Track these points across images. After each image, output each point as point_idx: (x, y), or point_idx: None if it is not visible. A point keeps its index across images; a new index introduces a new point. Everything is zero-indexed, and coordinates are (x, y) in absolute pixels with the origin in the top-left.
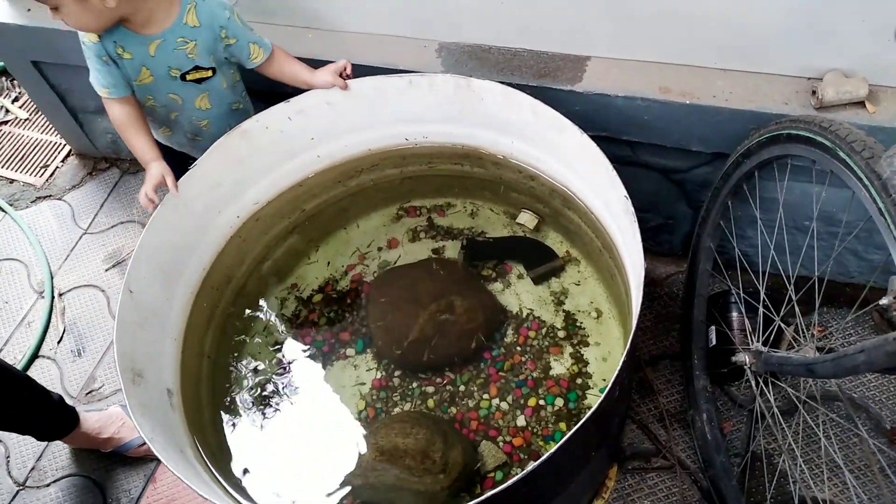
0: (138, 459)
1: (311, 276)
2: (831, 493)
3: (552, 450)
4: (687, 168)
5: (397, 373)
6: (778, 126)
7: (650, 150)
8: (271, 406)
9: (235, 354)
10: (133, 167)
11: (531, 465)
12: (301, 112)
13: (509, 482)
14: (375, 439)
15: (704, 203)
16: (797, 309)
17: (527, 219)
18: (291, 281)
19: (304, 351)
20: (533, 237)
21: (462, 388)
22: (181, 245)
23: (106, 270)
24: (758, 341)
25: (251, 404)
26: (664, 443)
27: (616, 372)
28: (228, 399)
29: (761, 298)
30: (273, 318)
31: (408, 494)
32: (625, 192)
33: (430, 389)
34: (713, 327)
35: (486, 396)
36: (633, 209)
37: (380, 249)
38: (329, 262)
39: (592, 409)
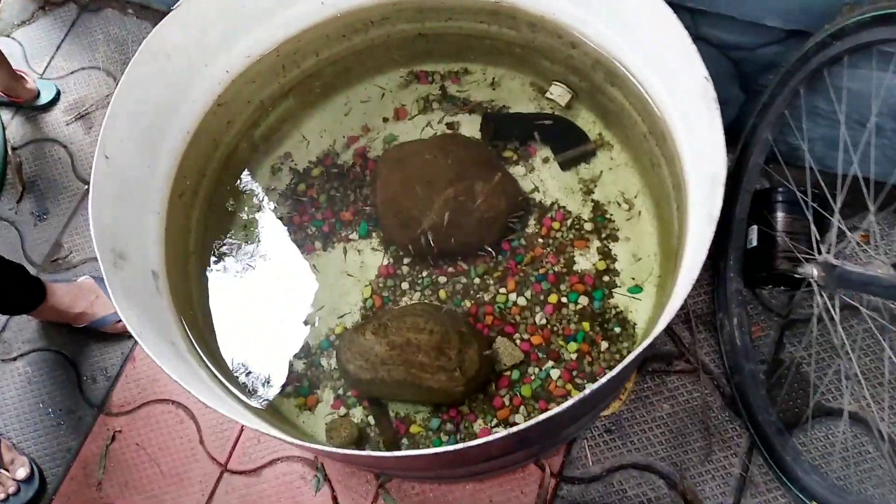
0: (114, 336)
1: (309, 147)
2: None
3: (604, 380)
4: (753, 46)
5: (406, 260)
6: (891, 3)
7: (715, 21)
8: (266, 289)
9: (226, 231)
10: (94, 3)
11: (586, 391)
12: None
13: (564, 406)
14: (386, 333)
15: (768, 88)
16: (873, 219)
17: (559, 93)
18: (285, 149)
19: (301, 230)
20: (563, 115)
21: (477, 280)
22: (162, 103)
23: (67, 124)
24: (828, 251)
25: (243, 284)
26: (688, 346)
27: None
28: (219, 279)
29: (836, 206)
30: (266, 192)
31: (421, 391)
32: (706, 73)
33: (443, 280)
34: (755, 227)
35: (502, 290)
36: (714, 93)
37: (385, 120)
38: (327, 131)
39: (645, 344)
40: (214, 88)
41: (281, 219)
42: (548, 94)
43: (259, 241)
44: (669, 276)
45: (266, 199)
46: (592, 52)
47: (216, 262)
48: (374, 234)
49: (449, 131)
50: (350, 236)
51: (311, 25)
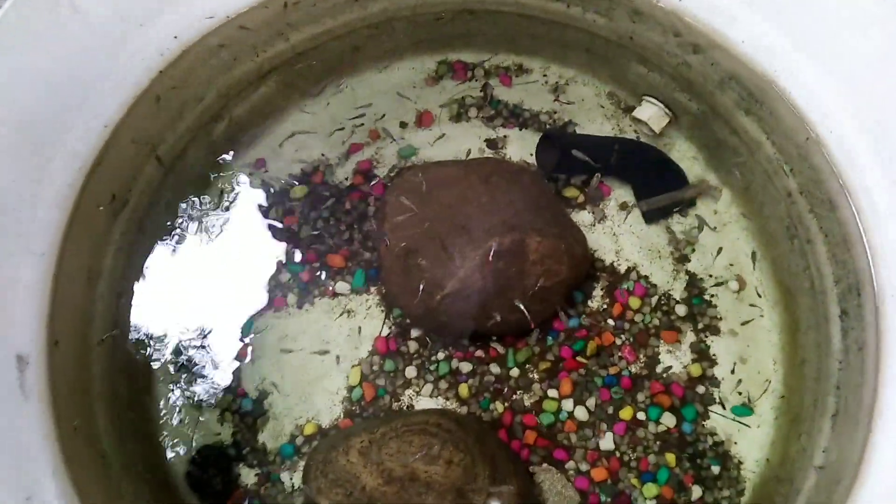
0: None
1: (292, 154)
2: None
3: None
4: None
5: (415, 333)
6: None
7: None
8: (214, 368)
9: (155, 277)
10: None
11: None
12: None
13: None
14: (381, 456)
15: None
16: None
17: (652, 114)
18: (257, 155)
19: (269, 278)
20: (653, 144)
21: (516, 372)
22: (64, 84)
23: None
24: None
25: (181, 366)
26: None
27: None
28: (147, 352)
29: None
30: (221, 218)
31: None
32: None
33: (466, 368)
34: None
35: (553, 393)
36: None
37: (403, 126)
38: (319, 134)
39: None
40: (153, 62)
41: (240, 260)
42: (635, 113)
43: (211, 288)
44: (799, 399)
45: (222, 224)
46: (730, 62)
47: (143, 338)
48: (372, 289)
49: (490, 151)
50: (338, 289)
51: None
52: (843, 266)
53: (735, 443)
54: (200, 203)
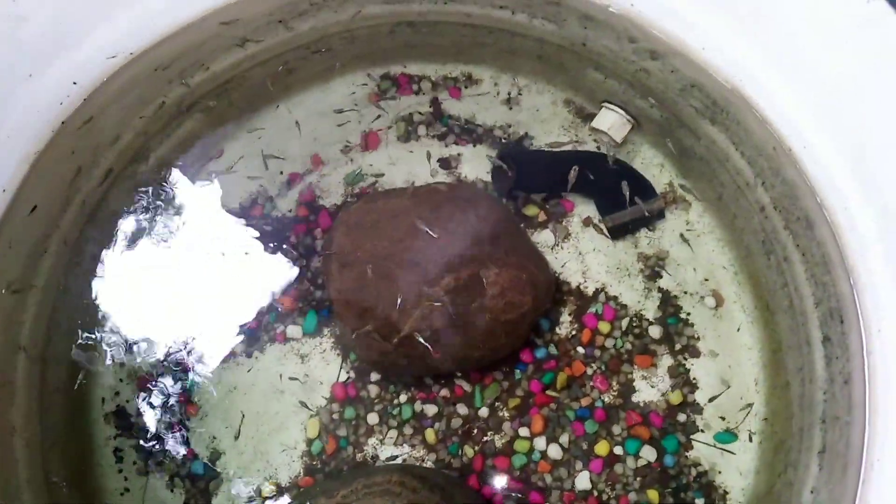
0: None
1: (225, 188)
2: None
3: None
4: None
5: (374, 377)
6: None
7: None
8: (158, 430)
9: (87, 324)
10: None
11: None
12: None
13: None
14: None
15: None
16: None
17: (612, 123)
18: (189, 194)
19: (211, 327)
20: (616, 156)
21: (484, 412)
22: None
23: None
24: None
25: (121, 431)
26: None
27: None
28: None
29: None
30: (154, 261)
31: None
32: None
33: (431, 410)
34: None
35: (524, 432)
36: None
37: (347, 149)
38: (255, 163)
39: None
40: (51, 111)
41: (175, 311)
42: (595, 123)
43: (141, 342)
44: (783, 424)
45: (157, 267)
46: (690, 70)
47: (72, 415)
48: (325, 331)
49: (443, 172)
50: (289, 333)
51: (224, 4)
52: (823, 288)
53: (719, 472)
54: (128, 248)
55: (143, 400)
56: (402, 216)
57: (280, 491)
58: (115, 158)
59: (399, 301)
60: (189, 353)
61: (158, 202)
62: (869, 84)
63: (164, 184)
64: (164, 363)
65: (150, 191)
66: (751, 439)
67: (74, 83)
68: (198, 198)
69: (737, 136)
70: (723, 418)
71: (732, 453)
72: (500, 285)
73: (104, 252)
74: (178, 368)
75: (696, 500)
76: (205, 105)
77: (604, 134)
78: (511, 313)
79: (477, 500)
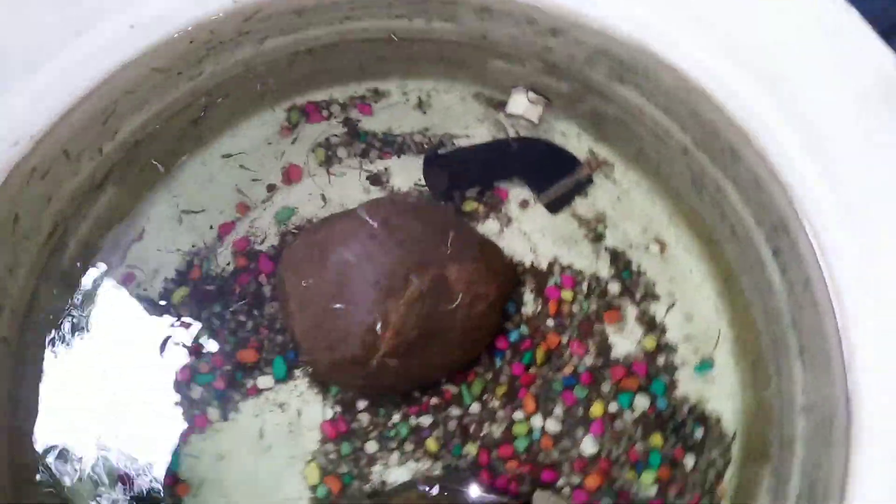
0: None
1: (159, 255)
2: None
3: None
4: None
5: (361, 404)
6: None
7: None
8: None
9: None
10: None
11: None
12: None
13: None
14: None
15: None
16: None
17: (525, 105)
18: (122, 271)
19: (180, 400)
20: (535, 136)
21: (476, 407)
22: None
23: None
24: None
25: None
26: None
27: None
28: None
29: None
30: (103, 353)
31: None
32: None
33: (426, 421)
34: None
35: (518, 415)
36: None
37: (272, 189)
38: (183, 224)
39: None
40: None
41: (137, 388)
42: (508, 109)
43: (111, 444)
44: (754, 340)
45: (107, 358)
46: (595, 38)
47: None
48: (297, 373)
49: (375, 188)
50: (261, 385)
51: (118, 68)
52: (761, 207)
53: (708, 401)
54: (70, 347)
55: (128, 495)
56: (350, 238)
57: None
58: (37, 252)
59: (370, 322)
60: (161, 432)
61: (92, 291)
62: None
63: (92, 268)
64: (138, 447)
65: (79, 281)
66: (727, 362)
67: None
68: (133, 274)
69: (648, 89)
70: (697, 351)
71: (714, 381)
72: (464, 281)
73: (47, 355)
74: (156, 450)
75: (696, 431)
76: (118, 174)
77: (520, 118)
78: (480, 305)
79: (492, 493)
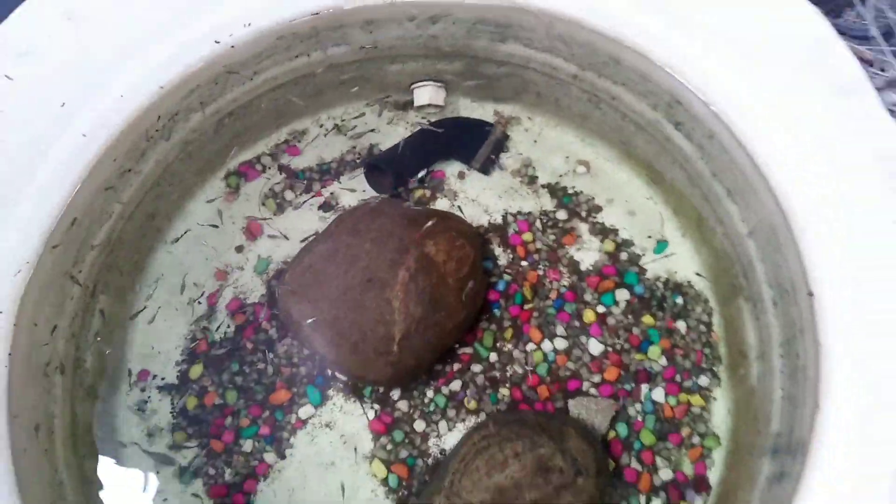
0: None
1: (160, 344)
2: None
3: None
4: None
5: (395, 394)
6: None
7: None
8: None
9: None
10: None
11: None
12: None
13: None
14: (461, 500)
15: None
16: None
17: (430, 95)
18: (132, 367)
19: (231, 455)
20: (447, 117)
21: (493, 357)
22: None
23: None
24: None
25: None
26: None
27: None
28: None
29: None
30: (143, 442)
31: None
32: None
33: (456, 386)
34: None
35: (531, 347)
36: None
37: (240, 250)
38: (175, 311)
39: None
40: None
41: (189, 467)
42: (416, 103)
43: None
44: (689, 205)
45: (145, 453)
46: (469, 12)
47: None
48: (330, 392)
49: (329, 213)
50: (303, 416)
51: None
52: (652, 94)
53: (676, 272)
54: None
55: None
56: (331, 257)
57: None
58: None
59: (379, 315)
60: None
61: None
62: None
63: (98, 382)
64: None
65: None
66: (676, 235)
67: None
68: (148, 371)
69: (528, 39)
70: (650, 237)
71: (673, 254)
72: (444, 250)
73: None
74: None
75: (676, 300)
76: (103, 282)
77: (428, 107)
78: (464, 267)
79: (549, 415)
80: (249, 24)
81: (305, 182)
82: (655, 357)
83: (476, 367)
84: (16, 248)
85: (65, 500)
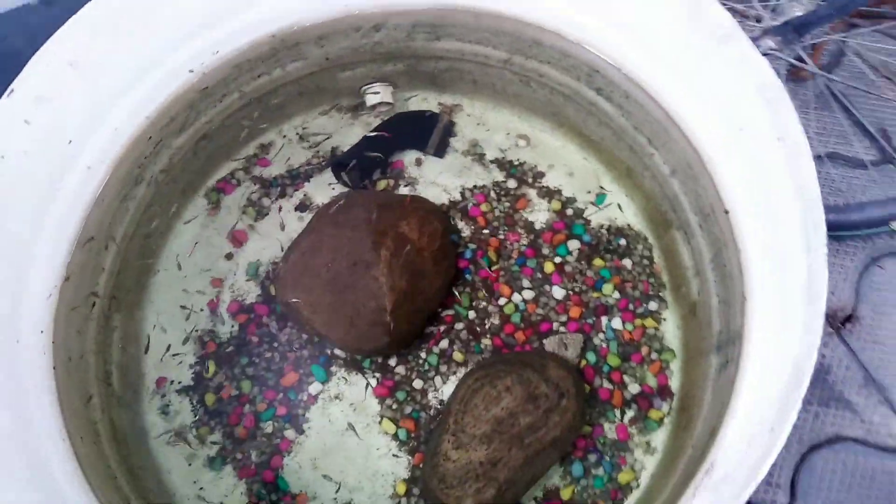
0: None
1: (172, 358)
2: None
3: None
4: None
5: (392, 361)
6: None
7: None
8: None
9: None
10: None
11: None
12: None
13: None
14: (467, 434)
15: None
16: None
17: (381, 95)
18: (149, 376)
19: (255, 438)
20: (397, 112)
21: (472, 315)
22: None
23: None
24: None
25: None
26: None
27: None
28: None
29: None
30: (171, 441)
31: (548, 453)
32: None
33: (444, 344)
34: None
35: (502, 301)
36: None
37: (230, 257)
38: (174, 320)
39: None
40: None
41: (219, 455)
42: (368, 104)
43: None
44: (618, 157)
45: (174, 447)
46: (406, 19)
47: None
48: (333, 370)
49: (305, 213)
50: (313, 392)
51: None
52: (573, 68)
53: (616, 218)
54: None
55: None
56: (315, 249)
57: (413, 481)
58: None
59: (370, 292)
60: (260, 474)
61: (136, 406)
62: None
63: (118, 401)
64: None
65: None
66: (612, 186)
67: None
68: (164, 379)
69: (460, 34)
70: (589, 192)
71: (611, 203)
72: (416, 228)
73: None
74: (265, 488)
75: (619, 241)
76: (116, 303)
77: (379, 106)
78: (436, 240)
79: (528, 353)
80: (217, 52)
81: (279, 188)
82: (609, 293)
83: (459, 326)
84: (44, 273)
85: (120, 490)
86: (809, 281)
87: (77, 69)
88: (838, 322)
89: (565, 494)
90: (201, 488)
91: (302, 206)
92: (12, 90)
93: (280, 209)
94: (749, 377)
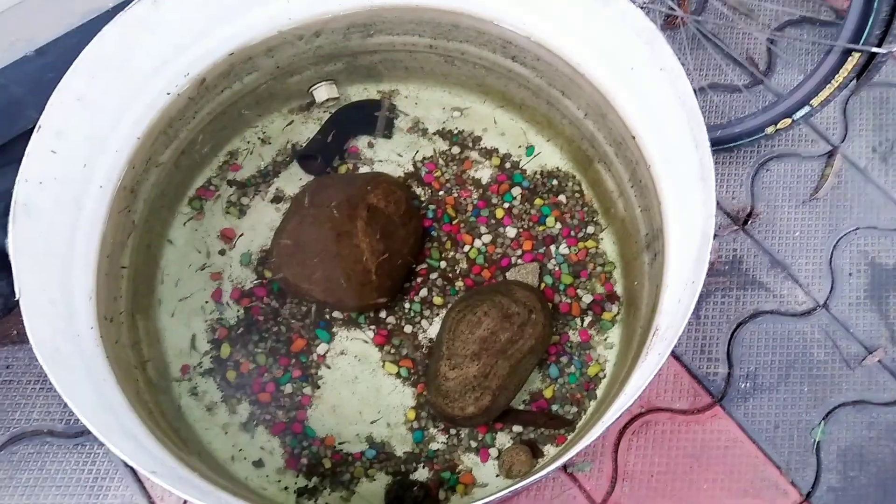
0: None
1: (189, 342)
2: None
3: None
4: None
5: (383, 314)
6: None
7: None
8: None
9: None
10: None
11: None
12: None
13: None
14: (460, 352)
15: None
16: None
17: (326, 92)
18: (173, 365)
19: (280, 400)
20: (344, 104)
21: (443, 264)
22: None
23: None
24: None
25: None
26: None
27: None
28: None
29: None
30: (203, 416)
31: (528, 360)
32: None
33: (424, 292)
34: None
35: (466, 248)
36: None
37: (222, 253)
38: (186, 317)
39: None
40: None
41: (250, 420)
42: (318, 101)
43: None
44: (539, 113)
45: (210, 420)
46: (340, 23)
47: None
48: (335, 330)
49: (281, 204)
50: (321, 352)
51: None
52: (491, 43)
53: (546, 164)
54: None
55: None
56: (302, 224)
57: (420, 406)
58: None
59: (354, 258)
60: (291, 427)
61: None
62: None
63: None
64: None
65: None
66: (539, 140)
67: None
68: (189, 367)
69: (387, 28)
70: (520, 146)
71: (541, 152)
72: (383, 198)
73: None
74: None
75: (553, 182)
76: (135, 306)
77: (327, 101)
78: (402, 206)
79: (496, 283)
80: (188, 74)
81: (253, 187)
82: (552, 225)
83: (433, 275)
84: (82, 278)
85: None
86: (701, 169)
87: (83, 103)
88: (741, 220)
89: (547, 394)
90: (240, 450)
91: (277, 199)
92: (40, 126)
93: (258, 204)
94: (672, 254)
